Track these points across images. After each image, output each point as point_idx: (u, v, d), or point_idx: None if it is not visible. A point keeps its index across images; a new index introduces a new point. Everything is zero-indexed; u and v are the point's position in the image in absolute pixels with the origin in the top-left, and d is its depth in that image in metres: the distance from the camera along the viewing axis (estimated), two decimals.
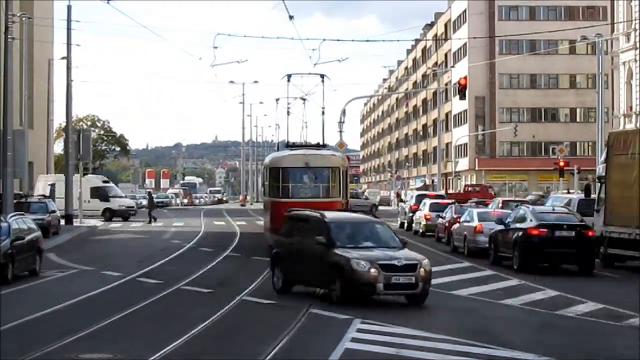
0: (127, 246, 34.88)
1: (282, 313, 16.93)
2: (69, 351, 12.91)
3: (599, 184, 29.02)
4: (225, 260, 28.07)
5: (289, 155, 31.83)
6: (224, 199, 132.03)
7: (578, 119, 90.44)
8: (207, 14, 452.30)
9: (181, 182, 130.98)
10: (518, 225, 26.43)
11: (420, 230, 41.54)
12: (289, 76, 38.40)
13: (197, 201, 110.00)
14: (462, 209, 36.26)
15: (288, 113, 44.94)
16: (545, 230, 25.39)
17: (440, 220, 37.84)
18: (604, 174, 28.19)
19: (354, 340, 13.87)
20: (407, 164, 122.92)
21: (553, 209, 28.94)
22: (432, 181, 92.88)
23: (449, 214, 36.87)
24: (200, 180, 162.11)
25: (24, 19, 41.53)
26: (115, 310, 16.67)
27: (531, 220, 26.14)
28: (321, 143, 34.58)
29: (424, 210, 41.91)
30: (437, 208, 40.48)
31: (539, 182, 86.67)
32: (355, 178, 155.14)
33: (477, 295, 20.20)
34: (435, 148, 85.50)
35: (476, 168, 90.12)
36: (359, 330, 14.75)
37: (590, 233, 25.79)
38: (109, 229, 46.33)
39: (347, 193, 32.86)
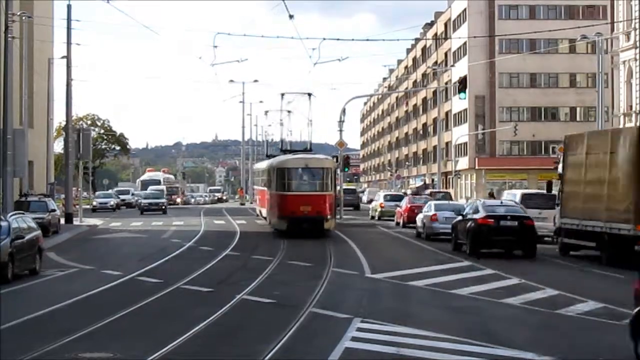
0: (126, 245, 34.86)
1: (282, 313, 16.92)
2: (69, 351, 12.90)
3: (560, 181, 32.41)
4: (225, 259, 28.06)
5: (292, 159, 40.21)
6: (224, 198, 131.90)
7: (578, 118, 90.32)
8: (207, 13, 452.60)
9: (140, 179, 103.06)
10: (471, 216, 30.74)
11: (377, 216, 55.40)
12: (282, 94, 53.43)
13: (178, 200, 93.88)
14: (415, 199, 48.59)
15: (281, 124, 58.68)
16: (492, 220, 29.62)
17: (397, 208, 49.46)
18: (562, 172, 31.88)
19: (354, 339, 13.86)
20: (407, 163, 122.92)
21: (501, 203, 33.43)
22: (432, 180, 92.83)
23: (404, 203, 48.33)
24: (171, 176, 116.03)
25: (24, 18, 41.49)
26: (115, 310, 16.67)
27: (481, 212, 30.25)
28: (308, 148, 46.06)
29: (379, 200, 58.17)
30: (390, 199, 56.47)
31: (539, 181, 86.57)
32: (356, 177, 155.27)
33: (477, 294, 20.20)
34: (435, 147, 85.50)
35: (476, 167, 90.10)
36: (359, 330, 14.74)
37: (530, 223, 29.83)
38: (109, 228, 46.33)
39: (336, 188, 42.10)
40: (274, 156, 47.65)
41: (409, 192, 74.83)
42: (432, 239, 36.79)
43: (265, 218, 46.67)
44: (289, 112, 59.11)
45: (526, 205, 34.67)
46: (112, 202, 72.68)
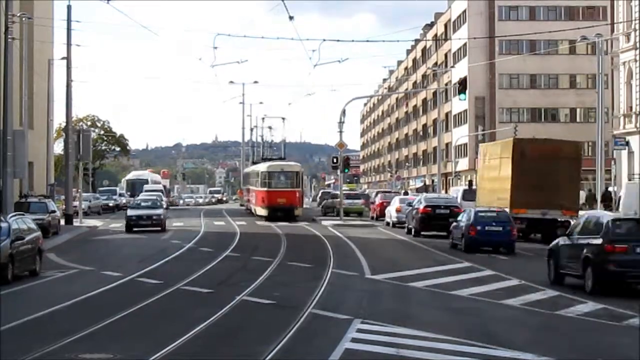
0: (126, 246, 34.87)
1: (282, 314, 16.92)
2: (69, 351, 12.90)
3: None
4: (225, 261, 28.06)
5: (272, 165, 57.23)
6: (224, 198, 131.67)
7: (578, 119, 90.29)
8: (206, 13, 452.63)
9: (126, 178, 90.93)
10: (417, 206, 40.23)
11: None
12: (263, 118, 76.19)
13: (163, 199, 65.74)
14: (385, 196, 57.29)
15: (262, 139, 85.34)
16: (430, 209, 39.42)
17: (372, 205, 58.97)
18: (478, 173, 42.93)
19: (354, 340, 13.86)
20: (407, 164, 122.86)
21: (439, 196, 47.09)
22: (432, 181, 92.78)
23: (377, 199, 58.10)
24: (157, 176, 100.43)
25: (24, 19, 41.45)
26: (115, 310, 16.67)
27: (423, 203, 39.99)
28: (282, 157, 69.07)
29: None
30: (346, 197, 61.55)
31: None
32: (355, 178, 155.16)
33: (477, 295, 20.20)
34: (435, 148, 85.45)
35: (476, 168, 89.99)
36: (359, 330, 14.74)
37: (459, 210, 37.94)
38: (108, 229, 46.32)
39: (303, 186, 60.37)
40: (258, 163, 66.85)
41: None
42: (397, 226, 45.34)
43: (250, 209, 62.84)
44: (270, 127, 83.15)
45: (466, 199, 45.36)
46: (84, 205, 56.49)
